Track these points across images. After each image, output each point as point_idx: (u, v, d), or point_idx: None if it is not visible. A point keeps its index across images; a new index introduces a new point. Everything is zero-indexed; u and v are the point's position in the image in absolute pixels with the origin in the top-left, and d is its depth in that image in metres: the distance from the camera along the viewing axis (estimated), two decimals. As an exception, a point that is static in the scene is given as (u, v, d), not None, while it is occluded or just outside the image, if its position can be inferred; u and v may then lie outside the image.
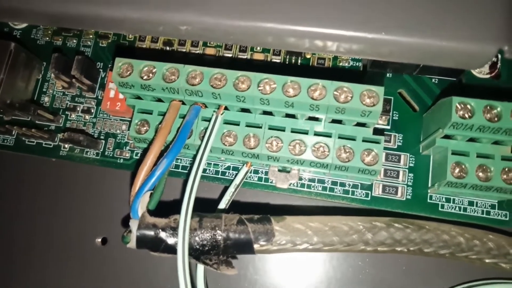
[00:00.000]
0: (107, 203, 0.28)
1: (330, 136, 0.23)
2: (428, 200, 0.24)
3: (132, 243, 0.21)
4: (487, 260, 0.22)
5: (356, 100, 0.21)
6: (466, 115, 0.21)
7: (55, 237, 0.28)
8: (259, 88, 0.22)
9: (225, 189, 0.25)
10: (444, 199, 0.24)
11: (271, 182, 0.25)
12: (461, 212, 0.24)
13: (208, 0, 0.20)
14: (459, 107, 0.21)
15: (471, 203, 0.24)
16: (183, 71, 0.23)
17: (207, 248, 0.21)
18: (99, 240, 0.28)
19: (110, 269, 0.27)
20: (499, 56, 0.25)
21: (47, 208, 0.28)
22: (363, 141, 0.22)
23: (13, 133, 0.28)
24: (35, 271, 0.28)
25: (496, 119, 0.21)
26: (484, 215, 0.24)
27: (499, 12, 0.18)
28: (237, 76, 0.22)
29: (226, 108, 0.23)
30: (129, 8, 0.21)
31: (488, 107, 0.21)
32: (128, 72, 0.23)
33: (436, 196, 0.24)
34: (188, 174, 0.22)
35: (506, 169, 0.22)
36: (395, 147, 0.25)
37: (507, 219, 0.24)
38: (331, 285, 0.26)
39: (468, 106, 0.21)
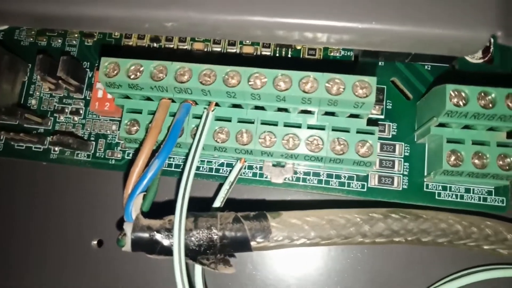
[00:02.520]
0: (101, 205, 0.28)
1: (323, 129, 0.22)
2: (425, 189, 0.24)
3: (127, 247, 0.21)
4: (485, 247, 0.22)
5: (348, 91, 0.21)
6: (461, 103, 0.21)
7: (50, 241, 0.28)
8: (249, 83, 0.21)
9: (220, 186, 0.24)
10: (440, 187, 0.24)
11: (266, 178, 0.25)
12: (458, 199, 0.24)
13: (193, -5, 0.20)
14: (453, 95, 0.21)
15: (467, 190, 0.24)
16: (171, 68, 0.22)
17: (203, 248, 0.21)
18: (95, 242, 0.27)
19: (108, 271, 0.27)
20: (492, 40, 0.24)
21: (40, 212, 0.28)
22: (357, 132, 0.22)
23: (1, 138, 0.28)
24: (31, 275, 0.27)
25: (490, 105, 0.21)
26: (481, 202, 0.24)
27: (491, -3, 0.18)
28: (226, 72, 0.22)
29: (217, 105, 0.23)
30: (113, 7, 0.20)
31: (482, 94, 0.21)
32: (115, 72, 0.22)
33: (432, 184, 0.24)
34: (181, 174, 0.22)
35: (502, 155, 0.22)
36: (390, 136, 0.25)
37: (504, 204, 0.24)
38: (330, 277, 0.26)
39: (462, 94, 0.21)
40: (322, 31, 0.19)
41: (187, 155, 0.22)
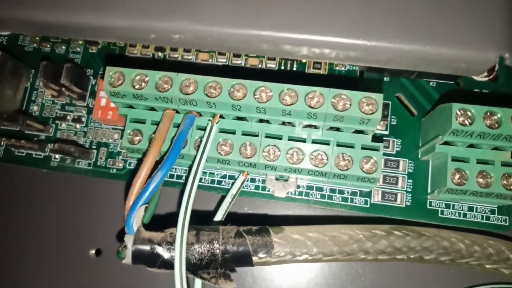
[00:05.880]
0: (101, 214, 0.27)
1: (328, 144, 0.22)
2: (428, 206, 0.24)
3: (128, 259, 0.20)
4: (487, 266, 0.22)
5: (354, 107, 0.20)
6: (466, 122, 0.21)
7: (48, 249, 0.27)
8: (255, 97, 0.21)
9: (222, 199, 0.24)
10: (443, 205, 0.24)
11: (269, 191, 0.25)
12: (461, 217, 0.24)
13: (201, 8, 0.20)
14: (459, 113, 0.21)
15: (470, 209, 0.24)
16: (177, 80, 0.22)
17: (204, 262, 0.20)
18: (93, 251, 0.27)
19: (105, 280, 0.27)
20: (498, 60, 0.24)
21: (38, 220, 0.28)
22: (362, 148, 0.22)
23: (2, 144, 0.27)
24: (28, 283, 0.27)
25: (496, 125, 0.20)
26: (484, 221, 0.24)
27: (499, 19, 0.18)
28: (232, 84, 0.21)
29: (221, 117, 0.23)
30: (120, 17, 0.20)
31: (488, 113, 0.21)
32: (120, 81, 0.22)
33: (435, 202, 0.24)
34: (183, 186, 0.22)
35: (506, 175, 0.22)
36: (394, 152, 0.25)
37: (507, 224, 0.24)
38: (330, 292, 0.26)
39: (468, 113, 0.21)
40: (330, 47, 0.19)
41: (190, 167, 0.22)
